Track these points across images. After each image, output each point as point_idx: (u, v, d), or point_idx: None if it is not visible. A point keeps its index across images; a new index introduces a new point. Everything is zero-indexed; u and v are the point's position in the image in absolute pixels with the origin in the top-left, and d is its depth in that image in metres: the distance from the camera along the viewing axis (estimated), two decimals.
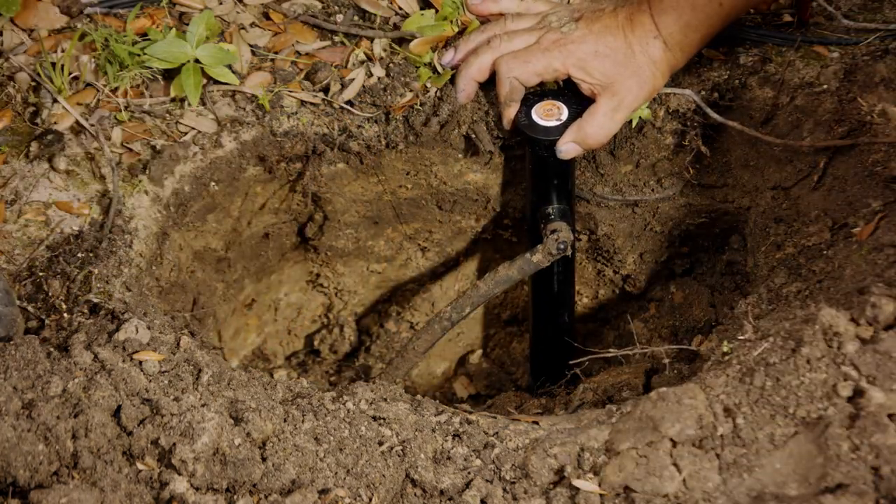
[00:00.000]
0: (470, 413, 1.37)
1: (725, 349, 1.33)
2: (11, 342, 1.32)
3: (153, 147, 1.62)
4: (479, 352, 2.28)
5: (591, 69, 1.60)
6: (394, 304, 2.22)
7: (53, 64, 1.64)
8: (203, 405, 1.27)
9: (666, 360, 1.48)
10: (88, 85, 1.66)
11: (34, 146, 1.58)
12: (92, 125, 1.62)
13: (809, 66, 1.64)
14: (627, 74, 1.59)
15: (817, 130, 1.56)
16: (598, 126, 1.61)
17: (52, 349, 1.33)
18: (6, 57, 1.68)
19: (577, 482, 1.21)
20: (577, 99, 1.65)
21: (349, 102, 1.69)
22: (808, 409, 1.19)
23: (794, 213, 1.55)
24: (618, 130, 1.64)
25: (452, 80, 1.68)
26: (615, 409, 1.31)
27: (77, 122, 1.62)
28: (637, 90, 1.60)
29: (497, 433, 1.31)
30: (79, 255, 1.49)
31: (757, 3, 1.69)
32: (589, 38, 1.59)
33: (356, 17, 1.78)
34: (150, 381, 1.31)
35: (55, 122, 1.61)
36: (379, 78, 1.70)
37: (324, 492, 1.22)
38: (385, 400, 1.35)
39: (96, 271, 1.47)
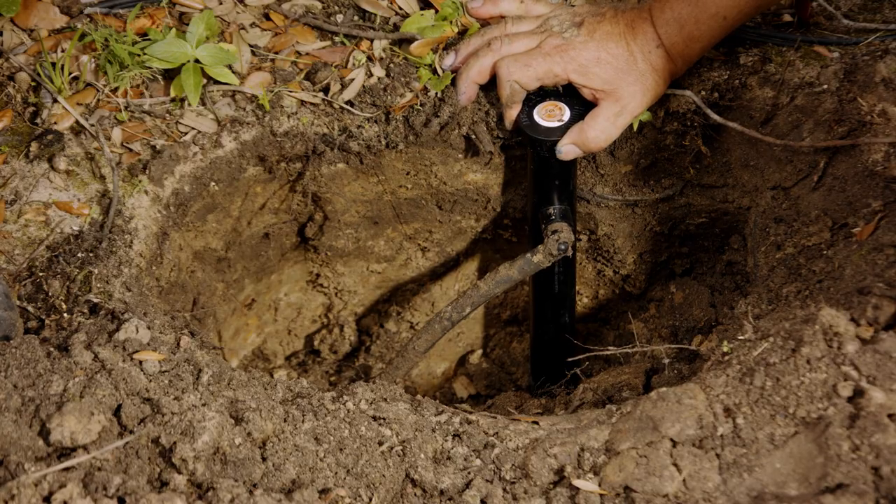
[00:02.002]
0: (470, 413, 1.37)
1: (725, 349, 1.33)
2: (11, 341, 1.32)
3: (153, 147, 1.63)
4: (479, 352, 2.28)
5: (592, 75, 1.60)
6: (394, 304, 2.22)
7: (53, 64, 1.64)
8: (203, 405, 1.27)
9: (666, 360, 1.48)
10: (88, 85, 1.66)
11: (34, 146, 1.58)
12: (92, 125, 1.62)
13: (809, 66, 1.64)
14: (630, 81, 1.59)
15: (817, 130, 1.56)
16: (600, 130, 1.61)
17: (52, 349, 1.33)
18: (6, 57, 1.68)
19: (577, 482, 1.21)
20: (578, 100, 1.65)
21: (349, 102, 1.70)
22: (808, 409, 1.19)
23: (794, 213, 1.55)
24: (619, 135, 1.65)
25: (453, 83, 1.68)
26: (615, 409, 1.31)
27: (77, 122, 1.62)
28: (640, 97, 1.61)
29: (497, 433, 1.31)
30: (79, 255, 1.49)
31: (760, 11, 1.69)
32: (591, 45, 1.59)
33: (356, 18, 1.78)
34: (151, 380, 1.31)
35: (55, 122, 1.61)
36: (379, 78, 1.70)
37: (324, 491, 1.22)
38: (385, 400, 1.35)
39: (96, 271, 1.47)
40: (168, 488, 1.18)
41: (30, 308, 1.44)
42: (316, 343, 2.22)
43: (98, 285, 1.46)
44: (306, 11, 1.78)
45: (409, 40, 1.71)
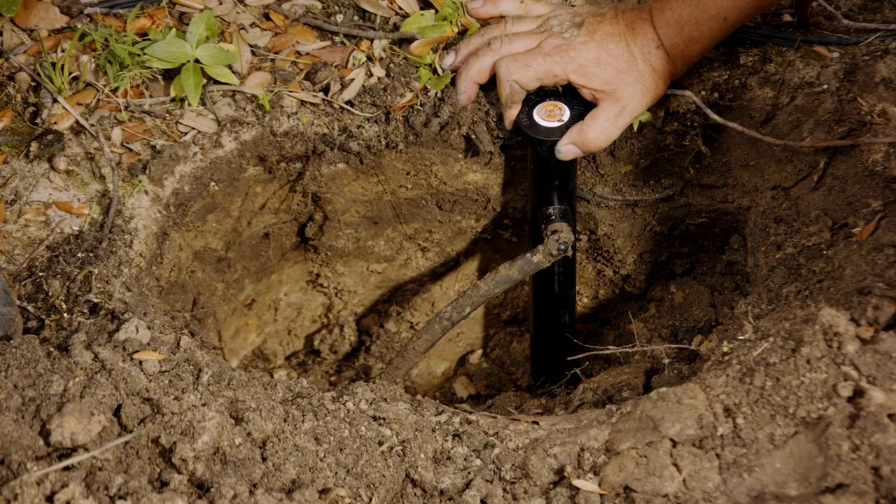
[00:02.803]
0: (470, 413, 1.37)
1: (725, 349, 1.33)
2: (11, 341, 1.32)
3: (153, 147, 1.63)
4: (479, 352, 2.28)
5: (592, 76, 1.60)
6: (394, 304, 2.22)
7: (53, 64, 1.64)
8: (203, 405, 1.27)
9: (666, 360, 1.48)
10: (88, 85, 1.66)
11: (34, 146, 1.58)
12: (92, 125, 1.62)
13: (809, 66, 1.64)
14: (630, 81, 1.59)
15: (817, 130, 1.56)
16: (600, 130, 1.61)
17: (52, 349, 1.33)
18: (6, 57, 1.68)
19: (577, 482, 1.21)
20: (578, 100, 1.65)
21: (349, 102, 1.70)
22: (808, 409, 1.18)
23: (794, 213, 1.55)
24: (618, 136, 1.65)
25: (453, 82, 1.68)
26: (615, 409, 1.31)
27: (77, 122, 1.62)
28: (640, 97, 1.61)
29: (497, 433, 1.31)
30: (79, 255, 1.49)
31: (760, 11, 1.69)
32: (590, 45, 1.59)
33: (356, 18, 1.78)
34: (151, 380, 1.31)
35: (55, 122, 1.61)
36: (379, 78, 1.70)
37: (324, 491, 1.22)
38: (385, 400, 1.35)
39: (96, 271, 1.47)
40: (168, 488, 1.18)
41: (30, 308, 1.44)
42: (316, 343, 2.22)
43: (98, 285, 1.46)
44: (306, 11, 1.78)
45: (409, 40, 1.71)
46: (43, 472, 1.14)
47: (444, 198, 1.91)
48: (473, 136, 1.73)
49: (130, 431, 1.24)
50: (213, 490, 1.18)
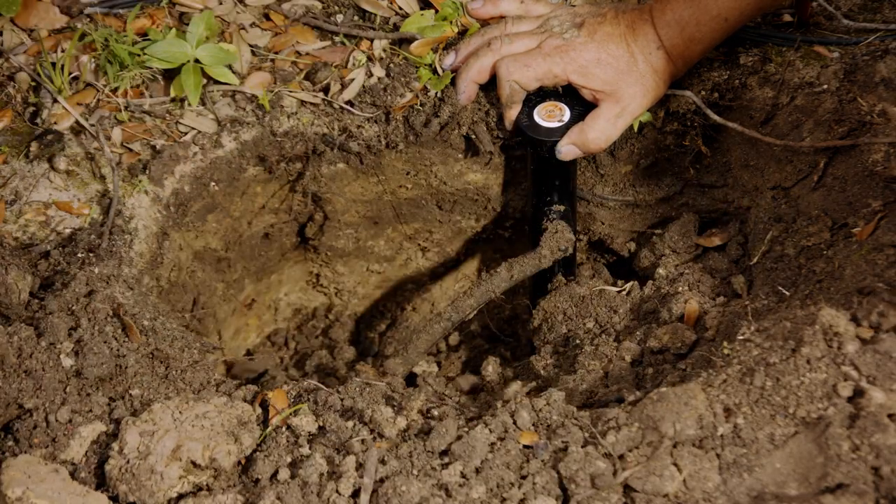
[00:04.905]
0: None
1: (725, 349, 1.33)
2: None
3: (153, 147, 1.63)
4: None
5: (592, 76, 1.60)
6: (394, 305, 2.22)
7: (53, 64, 1.64)
8: None
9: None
10: (88, 85, 1.66)
11: (34, 146, 1.58)
12: (92, 125, 1.62)
13: (809, 66, 1.64)
14: (630, 82, 1.59)
15: (817, 130, 1.56)
16: (600, 131, 1.61)
17: None
18: (6, 57, 1.68)
19: None
20: (579, 101, 1.65)
21: (349, 102, 1.69)
22: (808, 409, 1.18)
23: (794, 213, 1.55)
24: (618, 136, 1.65)
25: (452, 82, 1.68)
26: None
27: (77, 122, 1.62)
28: (640, 98, 1.61)
29: None
30: (79, 255, 1.49)
31: (761, 12, 1.68)
32: (591, 46, 1.59)
33: (356, 18, 1.78)
34: None
35: (55, 122, 1.61)
36: (379, 78, 1.70)
37: None
38: None
39: (96, 271, 1.47)
40: None
41: None
42: None
43: (98, 285, 1.46)
44: (306, 11, 1.78)
45: (409, 40, 1.71)
46: None
47: (444, 198, 1.91)
48: (473, 136, 1.73)
49: None
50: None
